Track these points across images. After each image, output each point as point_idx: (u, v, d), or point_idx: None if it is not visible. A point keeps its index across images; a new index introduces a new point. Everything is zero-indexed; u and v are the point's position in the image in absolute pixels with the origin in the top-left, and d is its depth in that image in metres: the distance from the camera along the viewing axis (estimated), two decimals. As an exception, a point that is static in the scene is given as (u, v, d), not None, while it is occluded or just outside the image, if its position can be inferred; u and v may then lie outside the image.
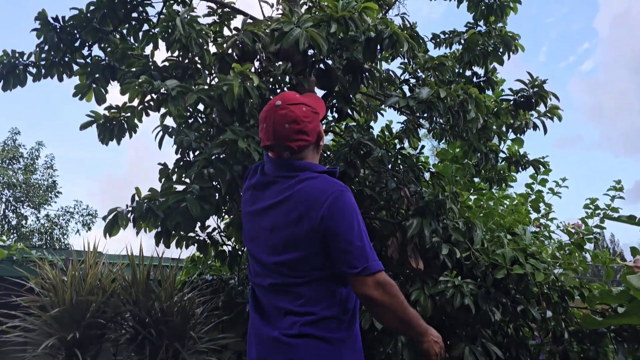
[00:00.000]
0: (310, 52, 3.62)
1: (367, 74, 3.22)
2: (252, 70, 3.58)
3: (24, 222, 17.26)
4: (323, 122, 4.52)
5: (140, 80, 2.86)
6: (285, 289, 1.76)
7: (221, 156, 3.15)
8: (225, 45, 3.24)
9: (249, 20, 3.43)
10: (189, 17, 3.35)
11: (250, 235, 1.93)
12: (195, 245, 4.45)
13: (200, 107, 4.17)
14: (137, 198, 3.16)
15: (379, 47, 2.89)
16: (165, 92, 2.86)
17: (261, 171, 1.97)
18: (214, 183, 3.33)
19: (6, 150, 16.96)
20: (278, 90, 3.48)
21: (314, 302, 1.71)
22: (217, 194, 3.27)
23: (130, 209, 3.11)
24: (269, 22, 3.07)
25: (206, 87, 2.87)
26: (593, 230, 4.62)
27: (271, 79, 3.52)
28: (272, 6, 3.94)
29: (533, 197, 5.57)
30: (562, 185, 5.49)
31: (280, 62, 3.49)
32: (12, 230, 16.92)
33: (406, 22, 3.72)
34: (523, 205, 5.57)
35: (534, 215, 5.62)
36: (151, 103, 3.50)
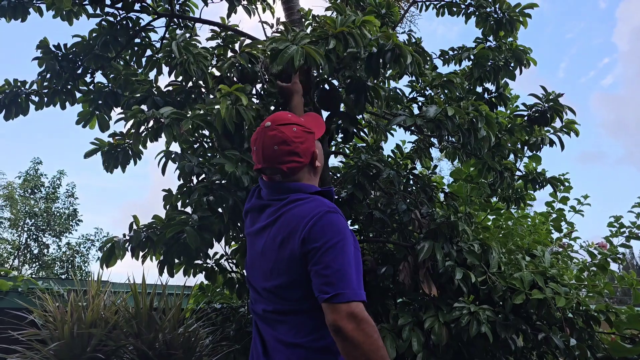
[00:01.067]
0: (314, 73, 3.53)
1: (371, 92, 3.09)
2: (254, 92, 3.50)
3: (45, 250, 17.40)
4: (332, 143, 4.40)
5: (132, 110, 2.79)
6: (277, 317, 1.66)
7: (222, 182, 3.05)
8: (223, 68, 3.15)
9: (247, 41, 3.34)
10: (184, 40, 3.27)
11: (249, 259, 1.86)
12: (203, 273, 4.35)
13: (207, 132, 4.12)
14: (135, 227, 3.06)
15: (381, 62, 2.76)
16: (161, 119, 2.77)
17: (257, 194, 1.90)
18: (218, 210, 3.23)
19: (28, 180, 17.21)
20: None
21: (306, 333, 1.58)
22: (220, 221, 3.17)
23: (127, 238, 3.01)
24: (267, 43, 2.97)
25: (201, 111, 2.77)
26: (618, 250, 4.39)
27: (274, 101, 3.42)
28: (272, 27, 3.87)
29: (554, 216, 5.36)
30: (584, 203, 5.28)
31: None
32: (34, 259, 17.06)
33: (412, 39, 3.60)
34: (544, 225, 5.35)
35: (556, 235, 5.41)
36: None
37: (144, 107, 3.62)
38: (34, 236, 17.17)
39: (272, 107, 3.47)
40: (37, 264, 17.18)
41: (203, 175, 3.59)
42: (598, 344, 3.64)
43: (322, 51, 2.60)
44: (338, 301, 1.47)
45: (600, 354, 3.74)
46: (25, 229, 17.11)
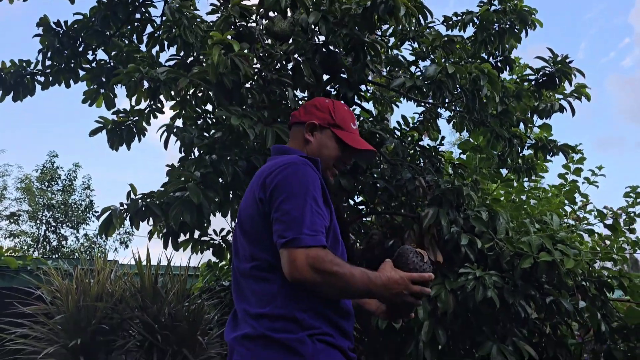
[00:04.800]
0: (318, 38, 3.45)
1: (370, 50, 3.02)
2: (254, 59, 3.45)
3: (64, 242, 17.64)
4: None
5: (128, 69, 2.76)
6: (245, 284, 1.58)
7: (225, 142, 3.01)
8: (217, 24, 3.09)
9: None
10: (178, 4, 3.23)
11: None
12: (211, 249, 4.33)
13: (209, 107, 4.09)
14: (132, 195, 3.03)
15: (376, 16, 2.70)
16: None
17: None
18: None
19: (44, 173, 17.43)
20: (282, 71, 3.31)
21: (268, 301, 1.50)
22: (224, 179, 3.11)
23: (125, 207, 2.98)
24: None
25: (197, 70, 2.73)
26: (634, 219, 4.28)
27: (276, 63, 3.37)
28: None
29: (568, 187, 5.24)
30: (599, 174, 5.15)
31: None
32: (53, 251, 17.30)
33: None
34: (557, 197, 5.24)
35: (569, 209, 5.29)
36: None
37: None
38: (53, 228, 17.41)
39: (273, 69, 3.41)
40: (56, 255, 17.41)
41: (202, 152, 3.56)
42: (612, 312, 3.54)
43: None
44: (294, 245, 1.42)
45: (615, 323, 3.64)
46: (44, 221, 17.36)
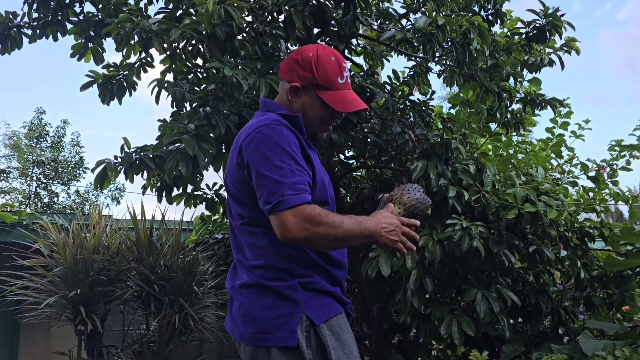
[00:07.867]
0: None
1: (361, 3, 3.00)
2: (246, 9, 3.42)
3: (55, 199, 17.67)
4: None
5: (119, 18, 2.74)
6: (240, 237, 1.66)
7: (218, 93, 3.02)
8: None
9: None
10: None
11: None
12: (204, 203, 4.40)
13: (200, 61, 4.07)
14: (126, 149, 3.06)
15: None
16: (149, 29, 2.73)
17: None
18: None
19: (32, 130, 17.27)
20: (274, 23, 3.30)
21: (259, 254, 1.58)
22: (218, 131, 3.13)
23: (119, 160, 3.01)
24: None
25: (189, 21, 2.72)
26: (617, 172, 4.37)
27: (267, 15, 3.35)
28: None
29: (555, 141, 5.31)
30: (586, 128, 5.20)
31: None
32: (44, 208, 17.34)
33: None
34: (544, 151, 5.32)
35: (556, 163, 5.37)
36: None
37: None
38: (43, 185, 17.41)
39: (265, 21, 3.39)
40: (49, 211, 17.47)
41: (195, 104, 3.57)
42: (592, 260, 3.68)
43: None
44: (280, 209, 1.44)
45: (594, 271, 3.79)
46: (34, 178, 17.33)
